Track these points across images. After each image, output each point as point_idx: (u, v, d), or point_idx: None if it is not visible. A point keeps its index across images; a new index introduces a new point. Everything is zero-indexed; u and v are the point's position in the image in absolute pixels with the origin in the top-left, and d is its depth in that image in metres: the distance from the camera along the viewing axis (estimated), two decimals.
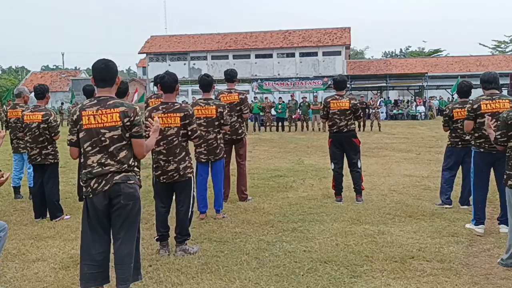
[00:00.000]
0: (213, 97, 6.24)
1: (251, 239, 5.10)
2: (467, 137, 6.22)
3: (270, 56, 42.03)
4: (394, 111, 35.10)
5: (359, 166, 6.92)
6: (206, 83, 5.96)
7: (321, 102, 24.06)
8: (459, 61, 42.44)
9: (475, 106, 5.25)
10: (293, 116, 24.20)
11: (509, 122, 4.08)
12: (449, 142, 6.50)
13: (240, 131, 6.91)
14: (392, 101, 38.20)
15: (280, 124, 23.88)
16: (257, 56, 42.07)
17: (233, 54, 42.20)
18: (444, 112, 6.73)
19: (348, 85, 33.16)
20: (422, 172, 9.48)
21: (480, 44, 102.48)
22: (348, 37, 41.65)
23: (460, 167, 6.54)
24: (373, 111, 23.01)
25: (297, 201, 6.93)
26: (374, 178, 8.88)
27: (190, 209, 4.76)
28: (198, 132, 4.77)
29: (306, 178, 8.96)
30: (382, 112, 31.35)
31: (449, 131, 6.50)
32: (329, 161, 7.23)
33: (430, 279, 3.94)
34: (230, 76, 6.97)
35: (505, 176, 4.27)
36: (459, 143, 6.33)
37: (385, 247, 4.75)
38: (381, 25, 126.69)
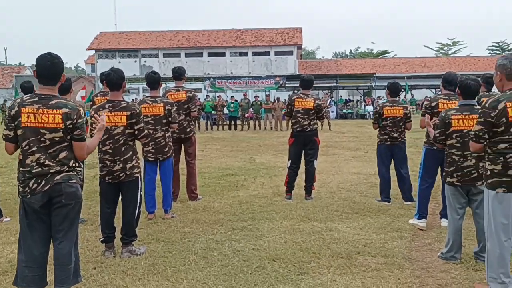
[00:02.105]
0: (161, 94, 6.14)
1: (200, 239, 5.06)
2: (395, 135, 6.50)
3: (223, 54, 41.94)
4: (344, 111, 35.93)
5: (315, 166, 7.02)
6: (153, 80, 5.86)
7: (272, 102, 24.36)
8: (406, 62, 43.97)
9: (433, 104, 5.41)
10: (246, 115, 24.26)
11: (447, 121, 4.25)
12: (379, 140, 6.76)
13: (188, 129, 6.83)
14: (344, 101, 39.10)
15: (232, 122, 23.86)
16: (209, 55, 41.88)
17: (185, 52, 41.81)
18: (375, 110, 6.96)
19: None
20: (369, 170, 9.73)
21: (425, 46, 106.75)
22: (300, 37, 42.21)
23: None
24: (324, 110, 23.44)
25: (248, 200, 6.94)
26: (323, 176, 9.03)
27: (137, 210, 4.66)
28: (146, 131, 4.67)
29: (257, 177, 8.99)
30: (332, 112, 32.03)
31: (378, 129, 6.73)
32: (280, 159, 7.30)
33: (374, 274, 4.04)
34: (178, 74, 6.88)
35: (444, 173, 4.45)
36: (388, 140, 6.58)
37: (332, 244, 4.84)
38: (331, 26, 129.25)
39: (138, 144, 4.84)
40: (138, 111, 4.58)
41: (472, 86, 4.27)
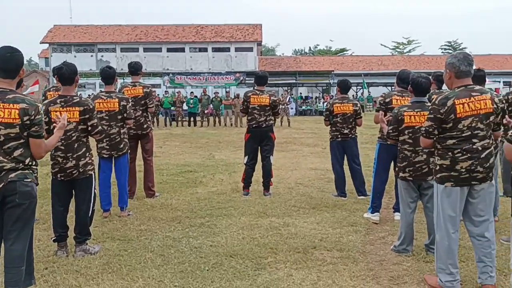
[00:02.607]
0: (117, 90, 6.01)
1: (157, 236, 4.99)
2: (346, 131, 6.65)
3: (183, 50, 41.47)
4: (303, 107, 36.34)
5: (271, 162, 7.06)
6: (108, 75, 5.73)
7: (232, 98, 24.32)
8: (363, 60, 44.84)
9: (387, 100, 5.54)
10: (205, 111, 24.13)
11: (399, 118, 4.37)
12: (331, 136, 6.90)
13: (145, 125, 6.73)
14: (303, 97, 39.54)
15: (192, 119, 23.69)
16: (169, 50, 41.28)
17: (143, 46, 41.05)
18: (326, 107, 7.08)
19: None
20: (327, 165, 9.82)
21: (381, 44, 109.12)
22: (260, 33, 42.29)
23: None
24: (283, 107, 23.59)
25: (206, 196, 6.91)
26: (282, 171, 9.11)
27: (91, 208, 4.55)
28: (99, 127, 4.56)
29: (216, 173, 8.96)
30: (292, 108, 32.31)
31: (330, 125, 6.85)
32: (240, 156, 7.30)
33: (330, 267, 4.11)
34: (134, 69, 6.75)
35: (396, 168, 4.58)
36: (339, 136, 6.71)
37: (289, 239, 4.89)
38: (291, 23, 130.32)
39: (92, 141, 4.72)
40: (91, 106, 4.46)
41: (423, 83, 4.40)
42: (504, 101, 4.64)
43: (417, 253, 4.45)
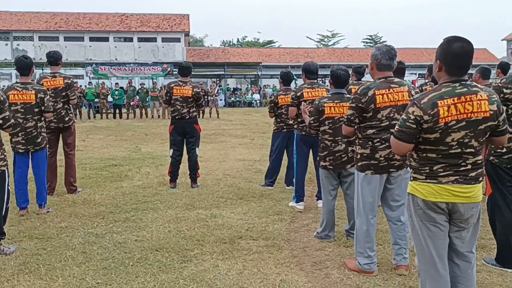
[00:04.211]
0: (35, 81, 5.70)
1: (79, 233, 4.82)
2: (291, 122, 6.76)
3: (106, 39, 39.97)
4: (232, 99, 36.44)
5: (197, 153, 7.01)
6: (23, 65, 5.41)
7: (160, 89, 23.83)
8: (290, 52, 45.69)
9: (298, 94, 5.69)
10: (131, 103, 23.48)
11: (320, 109, 4.52)
12: (275, 127, 6.95)
13: (67, 118, 6.45)
14: (232, 89, 39.60)
15: (117, 111, 22.96)
16: (91, 39, 39.62)
17: (64, 35, 39.09)
18: (270, 99, 7.16)
19: None
20: (254, 156, 10.02)
21: (307, 37, 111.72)
22: (187, 24, 41.72)
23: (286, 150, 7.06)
24: (212, 98, 23.53)
25: (132, 190, 6.76)
26: (210, 163, 9.11)
27: (4, 206, 4.29)
28: (12, 121, 4.30)
29: (142, 166, 8.78)
30: (220, 100, 32.27)
31: (274, 117, 6.94)
32: (167, 148, 7.18)
33: (255, 256, 4.18)
34: (54, 59, 6.43)
35: (317, 158, 4.75)
36: (284, 127, 6.80)
37: (216, 230, 4.91)
38: (219, 14, 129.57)
39: (6, 135, 4.45)
40: (1, 98, 4.19)
41: (342, 76, 4.57)
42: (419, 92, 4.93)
43: (338, 238, 4.64)
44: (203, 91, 22.35)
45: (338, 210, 5.30)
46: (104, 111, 23.25)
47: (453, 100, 2.60)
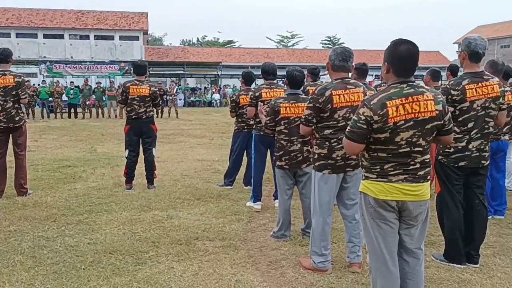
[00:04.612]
0: None
1: (28, 237, 4.64)
2: (252, 122, 6.76)
3: (61, 37, 38.80)
4: (192, 98, 36.18)
5: (154, 154, 6.91)
6: None
7: (116, 89, 23.34)
8: (250, 53, 45.78)
9: (256, 94, 5.70)
10: (87, 102, 22.88)
11: (276, 109, 4.54)
12: (236, 127, 6.93)
13: (17, 118, 6.22)
14: (191, 89, 39.31)
15: (72, 110, 22.33)
16: (45, 36, 38.33)
17: (16, 32, 37.65)
18: (231, 99, 7.14)
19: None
20: (213, 157, 9.98)
21: (267, 38, 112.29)
22: (146, 22, 41.08)
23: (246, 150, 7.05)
24: (171, 98, 23.27)
25: (86, 192, 6.58)
26: (168, 164, 9.00)
27: None
28: None
29: (97, 167, 8.57)
30: (180, 99, 32.02)
31: (235, 117, 6.92)
32: (123, 149, 7.04)
33: (211, 257, 4.16)
34: (3, 56, 6.19)
35: (274, 158, 4.77)
36: (245, 127, 6.78)
37: (172, 231, 4.85)
38: (179, 13, 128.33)
39: None
40: None
41: (297, 76, 4.61)
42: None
43: (294, 237, 4.68)
44: (161, 90, 22.08)
45: (295, 209, 5.37)
46: (58, 110, 22.55)
47: (401, 100, 2.67)
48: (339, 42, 61.70)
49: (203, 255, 4.22)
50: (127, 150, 6.77)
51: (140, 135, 6.74)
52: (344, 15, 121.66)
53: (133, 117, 6.66)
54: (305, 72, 6.86)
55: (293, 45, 62.12)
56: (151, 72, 35.06)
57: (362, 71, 5.93)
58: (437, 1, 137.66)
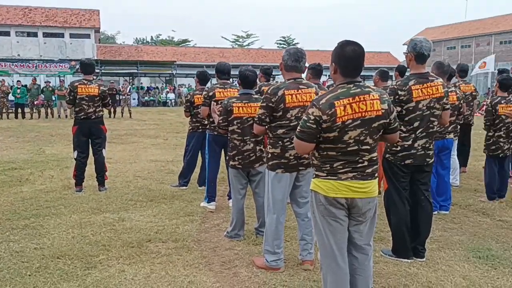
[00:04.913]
0: None
1: None
2: (206, 122, 6.72)
3: (7, 34, 37.29)
4: (146, 98, 35.59)
5: (104, 155, 6.74)
6: None
7: (66, 88, 22.60)
8: (205, 52, 45.57)
9: (210, 94, 5.66)
10: (35, 102, 22.04)
11: (228, 109, 4.54)
12: (191, 127, 6.86)
13: None
14: (146, 88, 38.66)
15: (19, 110, 21.44)
16: None
17: None
18: (186, 98, 7.07)
19: (98, 70, 32.10)
20: (167, 157, 9.85)
21: (222, 37, 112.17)
22: (98, 20, 40.10)
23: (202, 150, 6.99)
24: (124, 97, 22.77)
25: (33, 195, 6.34)
26: (120, 165, 8.81)
27: None
28: None
29: (45, 169, 8.27)
30: (134, 99, 31.43)
31: (190, 117, 6.85)
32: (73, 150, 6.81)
33: (164, 259, 4.10)
34: None
35: (227, 157, 4.77)
36: (200, 127, 6.73)
37: (124, 234, 4.75)
38: (132, 11, 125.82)
39: None
40: None
41: (250, 76, 4.63)
42: None
43: (248, 237, 4.69)
44: (114, 90, 21.60)
45: (249, 208, 5.38)
46: (4, 110, 21.58)
47: (349, 100, 2.73)
48: (294, 43, 62.43)
49: (156, 257, 4.15)
50: (76, 152, 6.56)
51: (89, 136, 6.55)
52: (298, 14, 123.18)
53: (82, 117, 6.47)
54: (258, 72, 6.95)
55: (248, 44, 62.31)
56: (103, 71, 34.19)
57: (316, 71, 6.02)
58: (389, 2, 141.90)
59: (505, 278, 3.75)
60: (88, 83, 6.50)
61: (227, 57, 43.80)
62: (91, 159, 6.70)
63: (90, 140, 6.59)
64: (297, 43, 62.79)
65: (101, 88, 6.57)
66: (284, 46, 60.34)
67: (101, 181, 6.71)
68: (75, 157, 6.59)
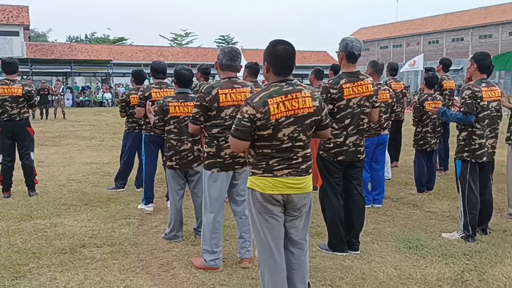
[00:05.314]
0: None
1: None
2: (142, 122, 6.57)
3: None
4: (81, 98, 34.34)
5: (32, 158, 6.41)
6: None
7: None
8: (143, 51, 44.59)
9: (146, 94, 5.55)
10: None
11: (164, 108, 4.46)
12: (127, 128, 6.68)
13: None
14: (80, 88, 37.28)
15: None
16: None
17: None
18: (121, 98, 6.88)
19: (28, 70, 30.57)
20: (103, 159, 9.56)
21: (160, 35, 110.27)
22: (27, 16, 38.15)
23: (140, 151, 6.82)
24: (56, 98, 21.82)
25: None
26: (53, 168, 8.45)
27: None
28: None
29: None
30: (68, 99, 30.24)
31: (126, 117, 6.67)
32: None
33: (99, 264, 3.97)
34: None
35: (164, 158, 4.69)
36: (136, 128, 6.56)
37: (56, 240, 4.55)
38: (64, 8, 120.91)
39: None
40: None
41: (185, 75, 4.58)
42: None
43: (186, 238, 4.64)
44: (46, 90, 20.62)
45: (188, 209, 5.33)
46: None
47: (281, 98, 2.77)
48: (233, 41, 62.52)
49: (90, 263, 4.01)
50: (1, 156, 6.20)
51: (14, 139, 6.21)
52: (239, 12, 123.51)
53: (5, 119, 6.11)
54: (196, 71, 6.90)
55: (187, 43, 61.69)
56: (34, 70, 32.53)
57: (253, 70, 6.05)
58: (326, 3, 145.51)
59: (432, 266, 3.95)
60: (11, 83, 6.15)
61: (166, 56, 43.12)
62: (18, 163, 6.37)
63: (16, 143, 6.25)
64: (236, 42, 62.93)
65: (26, 88, 6.22)
66: (224, 45, 60.32)
67: (30, 185, 6.38)
68: (0, 162, 6.22)
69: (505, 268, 3.90)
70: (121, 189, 6.69)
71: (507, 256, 4.16)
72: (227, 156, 3.82)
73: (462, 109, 4.59)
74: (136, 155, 6.77)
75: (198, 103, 3.79)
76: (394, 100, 6.37)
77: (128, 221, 5.24)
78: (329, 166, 4.18)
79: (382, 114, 5.72)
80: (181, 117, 4.48)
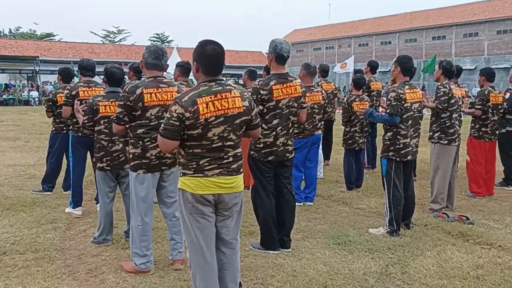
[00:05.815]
0: None
1: None
2: (70, 122, 6.31)
3: None
4: (4, 96, 32.43)
5: None
6: None
7: None
8: (73, 47, 42.87)
9: (73, 93, 5.35)
10: None
11: (94, 108, 4.31)
12: (54, 128, 6.40)
13: None
14: (4, 85, 35.18)
15: None
16: None
17: None
18: (48, 97, 6.57)
19: None
20: (28, 161, 9.09)
21: (91, 32, 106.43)
22: None
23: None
24: None
25: None
26: None
27: None
28: None
29: None
30: None
31: (53, 117, 6.37)
32: None
33: (21, 272, 3.77)
34: None
35: (94, 159, 4.53)
36: (64, 128, 6.28)
37: None
38: None
39: None
40: None
41: (116, 74, 4.46)
42: None
43: (117, 241, 4.51)
44: None
45: (119, 211, 5.19)
46: None
47: (211, 97, 2.77)
48: (168, 40, 61.61)
49: (11, 270, 3.80)
50: None
51: None
52: (172, 12, 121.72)
53: None
54: (128, 70, 6.72)
55: (120, 40, 60.01)
56: None
57: (184, 69, 6.01)
58: (264, 3, 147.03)
59: (359, 261, 4.11)
60: None
61: (97, 53, 41.71)
62: None
63: None
64: (172, 41, 62.08)
65: None
66: (158, 42, 59.26)
67: None
68: None
69: (425, 260, 4.14)
70: (49, 193, 6.39)
71: (428, 249, 4.42)
72: (153, 157, 3.76)
73: (388, 111, 4.81)
74: (64, 156, 6.49)
75: (122, 102, 3.71)
76: (326, 101, 6.55)
77: (55, 225, 5.02)
78: (260, 166, 4.23)
79: (315, 115, 5.87)
80: (111, 117, 4.33)
